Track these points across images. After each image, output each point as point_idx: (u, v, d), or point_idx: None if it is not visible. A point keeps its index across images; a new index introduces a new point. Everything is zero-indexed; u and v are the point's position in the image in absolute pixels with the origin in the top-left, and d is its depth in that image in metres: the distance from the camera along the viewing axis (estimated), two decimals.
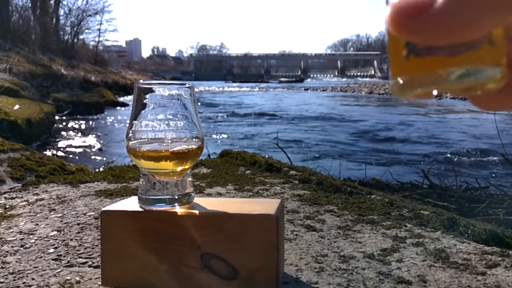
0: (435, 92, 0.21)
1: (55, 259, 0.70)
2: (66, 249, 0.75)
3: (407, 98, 0.22)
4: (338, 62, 73.13)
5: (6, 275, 0.64)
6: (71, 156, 5.70)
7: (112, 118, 10.29)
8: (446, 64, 0.20)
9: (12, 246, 0.76)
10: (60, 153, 5.77)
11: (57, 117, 8.76)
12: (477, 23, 0.18)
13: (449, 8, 0.17)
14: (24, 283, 0.61)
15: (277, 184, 1.25)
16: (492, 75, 0.21)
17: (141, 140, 0.55)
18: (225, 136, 7.52)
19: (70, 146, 6.46)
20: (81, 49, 25.91)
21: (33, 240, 0.79)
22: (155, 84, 0.58)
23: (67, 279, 0.62)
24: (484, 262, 0.68)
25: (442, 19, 0.17)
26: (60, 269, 0.66)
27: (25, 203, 1.07)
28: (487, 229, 0.85)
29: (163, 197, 0.57)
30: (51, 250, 0.74)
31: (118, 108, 12.70)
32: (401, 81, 0.21)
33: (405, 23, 0.18)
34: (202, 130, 0.59)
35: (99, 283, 0.61)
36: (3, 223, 0.90)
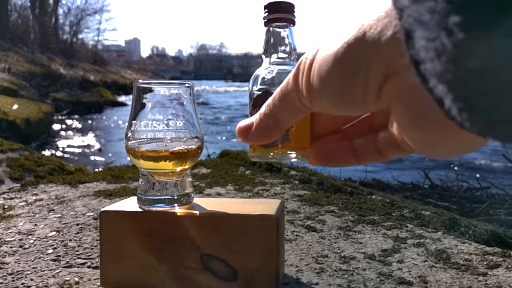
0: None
1: (54, 260, 0.70)
2: (65, 249, 0.74)
3: (256, 160, 0.49)
4: None
5: (5, 275, 0.64)
6: (70, 156, 5.70)
7: (111, 118, 10.28)
8: (266, 151, 0.45)
9: (11, 247, 0.75)
10: (59, 153, 5.77)
11: (56, 117, 8.76)
12: (268, 138, 0.36)
13: (254, 132, 0.36)
14: (23, 283, 0.61)
15: (277, 184, 1.25)
16: (290, 157, 0.45)
17: (140, 140, 0.55)
18: (225, 136, 7.52)
19: (69, 146, 6.46)
20: (80, 49, 25.86)
21: (32, 241, 0.78)
22: (155, 83, 0.57)
23: (66, 280, 0.62)
24: (485, 263, 0.68)
25: (252, 136, 0.36)
26: (59, 270, 0.66)
27: (24, 203, 1.07)
28: (488, 229, 0.84)
29: (162, 197, 0.57)
30: (50, 251, 0.74)
31: (117, 107, 12.69)
32: (250, 154, 0.46)
33: (241, 137, 0.37)
34: (202, 130, 0.58)
35: (98, 283, 0.60)
36: (1, 223, 0.89)
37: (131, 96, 0.59)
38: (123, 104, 13.20)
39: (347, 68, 0.25)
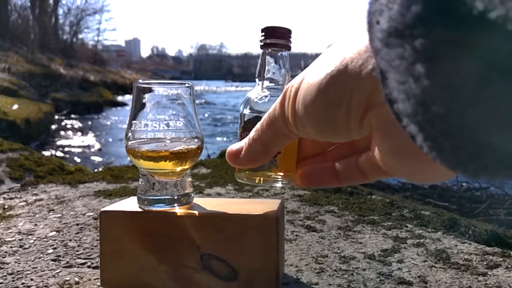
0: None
1: (54, 260, 0.70)
2: (65, 249, 0.74)
3: (242, 182, 0.51)
4: None
5: (5, 275, 0.64)
6: (70, 156, 5.69)
7: (111, 118, 10.28)
8: (253, 174, 0.49)
9: (11, 247, 0.75)
10: (59, 153, 5.76)
11: (56, 117, 8.76)
12: (256, 162, 0.38)
13: (243, 156, 0.38)
14: (23, 283, 0.61)
15: None
16: (276, 183, 0.49)
17: (140, 140, 0.55)
18: (225, 136, 7.52)
19: (69, 146, 6.45)
20: (80, 49, 25.83)
21: (32, 241, 0.78)
22: (154, 83, 0.57)
23: (66, 280, 0.62)
24: (485, 263, 0.68)
25: (241, 160, 0.38)
26: (59, 270, 0.66)
27: (24, 203, 1.07)
28: (488, 229, 0.84)
29: (162, 197, 0.57)
30: (50, 251, 0.74)
31: (117, 107, 12.69)
32: (237, 174, 0.49)
33: (231, 161, 0.39)
34: (202, 130, 0.58)
35: (98, 283, 0.61)
36: (1, 223, 0.89)
37: (130, 96, 0.59)
38: (122, 104, 13.20)
39: (330, 98, 0.26)
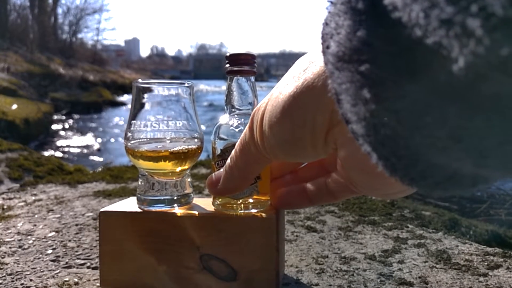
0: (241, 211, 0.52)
1: (53, 260, 0.69)
2: (64, 250, 0.74)
3: (219, 209, 0.53)
4: None
5: (4, 276, 0.63)
6: (69, 156, 5.69)
7: (111, 117, 10.27)
8: (231, 201, 0.51)
9: (10, 247, 0.75)
10: (58, 153, 5.76)
11: (55, 117, 8.76)
12: (235, 189, 0.39)
13: (222, 184, 0.38)
14: (22, 284, 0.61)
15: None
16: (252, 209, 0.52)
17: (140, 140, 0.54)
18: None
19: (68, 146, 6.45)
20: (79, 48, 25.80)
21: (31, 241, 0.78)
22: (154, 83, 0.57)
23: (65, 281, 0.62)
24: (486, 263, 0.68)
25: (220, 189, 0.39)
26: (58, 270, 0.66)
27: (23, 203, 1.06)
28: (489, 229, 0.84)
29: (162, 197, 0.56)
30: (49, 251, 0.73)
31: (116, 107, 12.68)
32: (215, 202, 0.53)
33: (211, 190, 0.41)
34: (202, 130, 0.58)
35: (98, 284, 0.60)
36: (1, 223, 0.89)
37: (130, 96, 0.59)
38: (122, 104, 13.19)
39: (294, 119, 0.27)
